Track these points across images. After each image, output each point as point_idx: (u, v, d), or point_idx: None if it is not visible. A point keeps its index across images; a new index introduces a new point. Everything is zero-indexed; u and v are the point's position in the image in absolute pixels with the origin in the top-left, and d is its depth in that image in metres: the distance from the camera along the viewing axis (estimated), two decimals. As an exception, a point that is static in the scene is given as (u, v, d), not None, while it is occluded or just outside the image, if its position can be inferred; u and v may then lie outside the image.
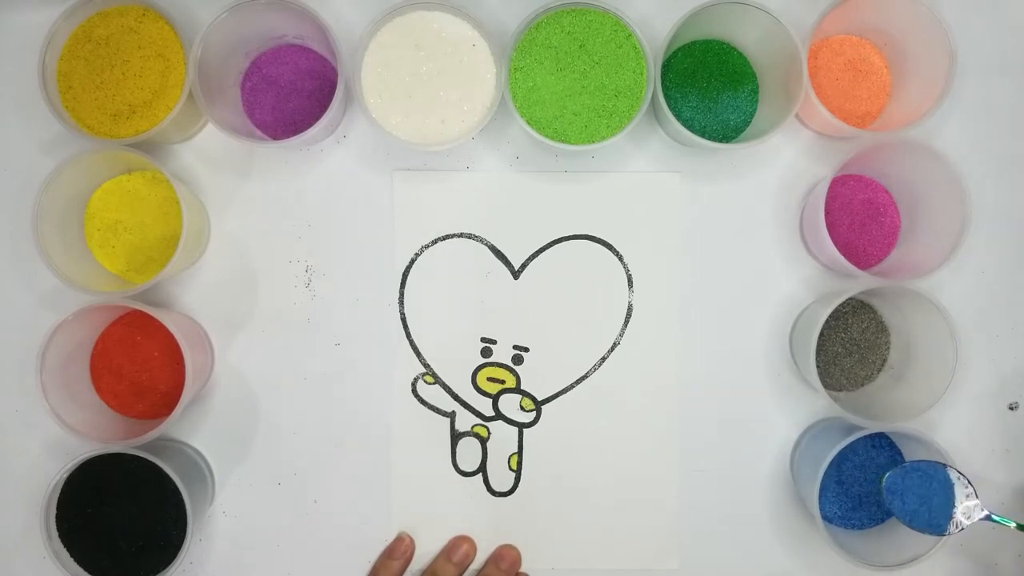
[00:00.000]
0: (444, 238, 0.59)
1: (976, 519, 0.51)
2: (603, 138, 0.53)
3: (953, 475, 0.52)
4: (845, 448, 0.55)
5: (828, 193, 0.55)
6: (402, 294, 0.59)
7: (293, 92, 0.58)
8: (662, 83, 0.54)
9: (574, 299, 0.59)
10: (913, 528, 0.52)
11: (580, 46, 0.54)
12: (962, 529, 0.51)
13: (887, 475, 0.53)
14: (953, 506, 0.52)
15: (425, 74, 0.54)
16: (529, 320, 0.59)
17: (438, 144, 0.54)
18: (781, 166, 0.60)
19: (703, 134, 0.57)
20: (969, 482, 0.52)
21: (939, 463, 0.53)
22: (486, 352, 0.59)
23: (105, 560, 0.54)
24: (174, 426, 0.58)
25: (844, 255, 0.54)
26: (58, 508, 0.54)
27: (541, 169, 0.59)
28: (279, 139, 0.55)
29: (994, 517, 0.51)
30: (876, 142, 0.54)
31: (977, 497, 0.52)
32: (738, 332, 0.60)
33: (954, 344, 0.54)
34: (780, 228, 0.60)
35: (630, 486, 0.59)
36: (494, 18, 0.58)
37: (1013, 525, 0.52)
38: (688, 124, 0.56)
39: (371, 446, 0.59)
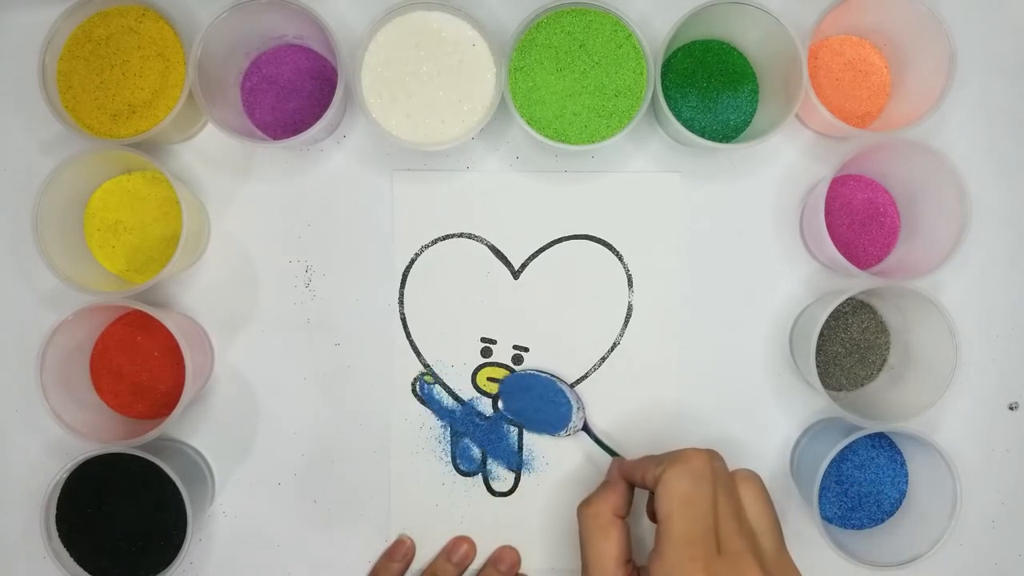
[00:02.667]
0: (444, 238, 0.59)
1: (579, 428, 0.58)
2: (603, 138, 0.53)
3: (567, 390, 0.58)
4: (845, 448, 0.55)
5: (828, 193, 0.55)
6: (402, 294, 0.59)
7: (293, 92, 0.58)
8: (662, 83, 0.54)
9: (574, 299, 0.59)
10: (529, 429, 0.59)
11: (580, 46, 0.54)
12: (568, 432, 0.58)
13: (504, 380, 0.58)
14: (569, 415, 0.58)
15: (425, 74, 0.54)
16: (529, 320, 0.59)
17: (438, 144, 0.54)
18: (781, 166, 0.60)
19: (703, 134, 0.57)
20: (579, 397, 0.58)
21: (551, 378, 0.58)
22: (486, 352, 0.59)
23: (105, 560, 0.54)
24: (174, 426, 0.58)
25: (844, 255, 0.54)
26: (58, 508, 0.54)
27: (541, 169, 0.60)
28: (279, 139, 0.55)
29: (590, 430, 0.58)
30: (876, 142, 0.54)
31: (583, 411, 0.58)
32: (738, 332, 0.60)
33: (954, 344, 0.54)
34: (780, 228, 0.60)
35: (630, 486, 0.59)
36: (494, 18, 0.58)
37: (601, 446, 0.57)
38: (688, 124, 0.56)
39: (371, 446, 0.59)
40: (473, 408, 0.59)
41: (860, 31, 0.59)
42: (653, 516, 0.50)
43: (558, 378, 0.58)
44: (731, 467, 0.59)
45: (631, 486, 0.51)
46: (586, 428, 0.58)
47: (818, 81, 0.59)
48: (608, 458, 0.56)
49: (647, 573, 0.45)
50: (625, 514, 0.50)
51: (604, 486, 0.51)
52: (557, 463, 0.59)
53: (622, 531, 0.48)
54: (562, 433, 0.58)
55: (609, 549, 0.47)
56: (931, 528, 0.54)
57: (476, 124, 0.54)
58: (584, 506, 0.50)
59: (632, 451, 0.59)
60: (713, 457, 0.47)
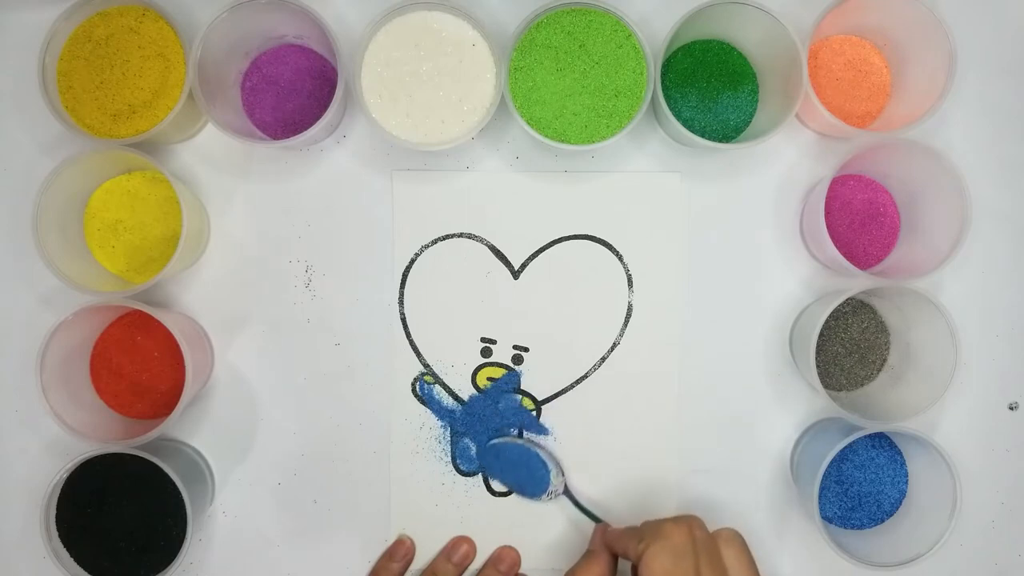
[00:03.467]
0: (444, 238, 0.59)
1: (559, 492, 0.58)
2: (603, 138, 0.53)
3: (544, 455, 0.58)
4: (845, 448, 0.55)
5: (828, 193, 0.55)
6: (402, 294, 0.59)
7: (293, 92, 0.58)
8: (662, 83, 0.54)
9: (574, 299, 0.59)
10: (516, 491, 0.58)
11: (580, 46, 0.54)
12: (550, 496, 0.58)
13: (480, 450, 0.58)
14: (548, 480, 0.57)
15: (425, 74, 0.54)
16: (529, 320, 0.59)
17: (438, 144, 0.54)
18: (781, 166, 0.60)
19: (703, 134, 0.57)
20: (558, 463, 0.58)
21: (531, 448, 0.58)
22: (486, 352, 0.59)
23: (105, 560, 0.54)
24: (174, 426, 0.58)
25: (844, 255, 0.54)
26: (58, 508, 0.54)
27: (541, 169, 0.60)
28: (279, 139, 0.55)
29: (571, 495, 0.58)
30: (876, 142, 0.54)
31: (563, 475, 0.58)
32: (738, 332, 0.60)
33: (954, 344, 0.54)
34: (780, 228, 0.60)
35: (630, 486, 0.59)
36: (494, 18, 0.58)
37: (581, 510, 0.57)
38: (688, 124, 0.56)
39: (371, 446, 0.59)
40: (473, 408, 0.59)
41: (860, 31, 0.59)
42: None
43: (536, 444, 0.58)
44: (731, 467, 0.60)
45: (615, 555, 0.52)
46: (567, 492, 0.58)
47: (818, 81, 0.59)
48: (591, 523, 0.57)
49: None
50: None
51: (588, 556, 0.52)
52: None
53: None
54: (544, 498, 0.58)
55: None
56: (931, 528, 0.54)
57: (476, 124, 0.54)
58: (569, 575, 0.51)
59: (630, 452, 0.59)
60: (693, 527, 0.48)
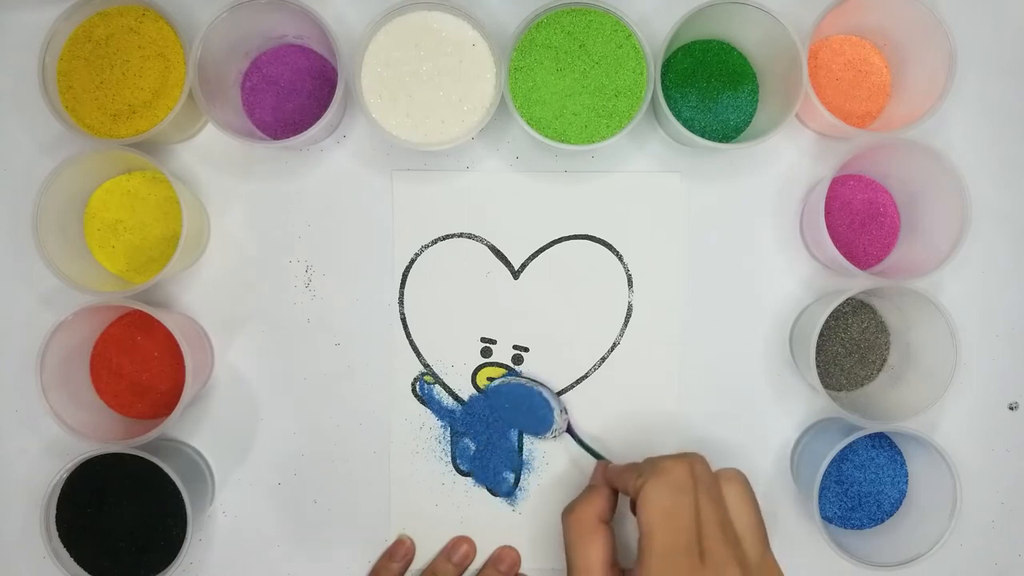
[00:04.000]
0: (444, 238, 0.59)
1: (563, 430, 0.58)
2: (603, 138, 0.53)
3: (547, 394, 0.58)
4: (845, 448, 0.55)
5: (828, 193, 0.55)
6: (402, 294, 0.59)
7: (293, 92, 0.58)
8: (662, 83, 0.54)
9: (574, 299, 0.59)
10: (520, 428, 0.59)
11: (580, 46, 0.54)
12: (554, 434, 0.58)
13: (486, 389, 0.59)
14: (552, 418, 0.57)
15: (425, 74, 0.54)
16: (529, 320, 0.59)
17: (438, 144, 0.54)
18: (781, 166, 0.60)
19: (703, 134, 0.57)
20: (560, 402, 0.58)
21: (533, 387, 0.58)
22: (486, 352, 0.59)
23: (105, 560, 0.54)
24: (174, 426, 0.58)
25: (844, 255, 0.54)
26: (58, 508, 0.54)
27: (541, 169, 0.60)
28: (279, 139, 0.55)
29: (575, 433, 0.58)
30: (876, 142, 0.54)
31: (567, 413, 0.58)
32: (738, 332, 0.60)
33: (954, 344, 0.54)
34: (780, 228, 0.60)
35: (630, 486, 0.59)
36: (494, 18, 0.58)
37: (585, 448, 0.57)
38: (688, 124, 0.56)
39: (371, 446, 0.59)
40: (473, 408, 0.59)
41: (860, 31, 0.59)
42: None
43: (539, 383, 0.58)
44: (726, 464, 0.59)
45: (614, 491, 0.51)
46: (570, 431, 0.58)
47: (818, 81, 0.59)
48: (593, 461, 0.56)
49: None
50: (609, 519, 0.50)
51: (588, 491, 0.51)
52: (557, 463, 0.59)
53: (607, 536, 0.48)
54: (547, 436, 0.58)
55: (595, 555, 0.47)
56: (931, 528, 0.54)
57: (476, 124, 0.54)
58: (568, 512, 0.50)
59: (630, 452, 0.59)
60: (694, 464, 0.46)
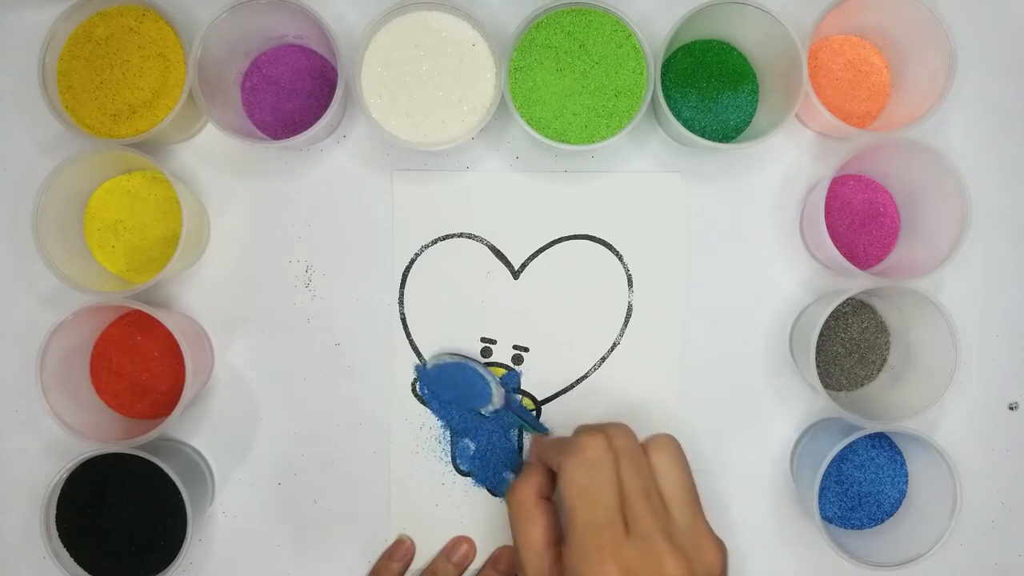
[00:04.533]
0: (444, 238, 0.59)
1: (500, 405, 0.57)
2: (603, 138, 0.53)
3: (481, 369, 0.58)
4: (845, 448, 0.55)
5: (828, 193, 0.55)
6: (402, 294, 0.59)
7: (293, 92, 0.58)
8: (662, 83, 0.54)
9: (574, 299, 0.59)
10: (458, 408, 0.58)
11: (580, 46, 0.54)
12: (496, 410, 0.57)
13: (419, 370, 0.59)
14: (489, 391, 0.57)
15: (425, 74, 0.54)
16: (529, 320, 0.59)
17: (438, 144, 0.54)
18: (781, 166, 0.60)
19: (703, 134, 0.57)
20: (495, 377, 0.58)
21: (467, 363, 0.58)
22: (486, 352, 0.59)
23: (105, 560, 0.54)
24: (174, 426, 0.58)
25: (844, 255, 0.54)
26: (58, 508, 0.54)
27: (541, 169, 0.60)
28: (279, 139, 0.55)
29: (512, 406, 0.57)
30: (876, 142, 0.54)
31: (503, 388, 0.58)
32: (738, 332, 0.60)
33: (954, 344, 0.54)
34: (780, 228, 0.60)
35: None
36: (494, 18, 0.58)
37: (523, 428, 0.57)
38: (688, 124, 0.56)
39: (371, 446, 0.59)
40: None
41: (860, 31, 0.59)
42: None
43: (471, 359, 0.58)
44: (731, 467, 0.59)
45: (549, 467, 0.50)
46: (508, 405, 0.57)
47: (818, 81, 0.59)
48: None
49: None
50: (550, 493, 0.49)
51: (526, 467, 0.51)
52: (557, 463, 0.59)
53: (547, 513, 0.48)
54: (487, 410, 0.57)
55: (536, 534, 0.47)
56: (931, 528, 0.54)
57: (476, 124, 0.54)
58: (510, 493, 0.49)
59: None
60: (614, 436, 0.46)
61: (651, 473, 0.46)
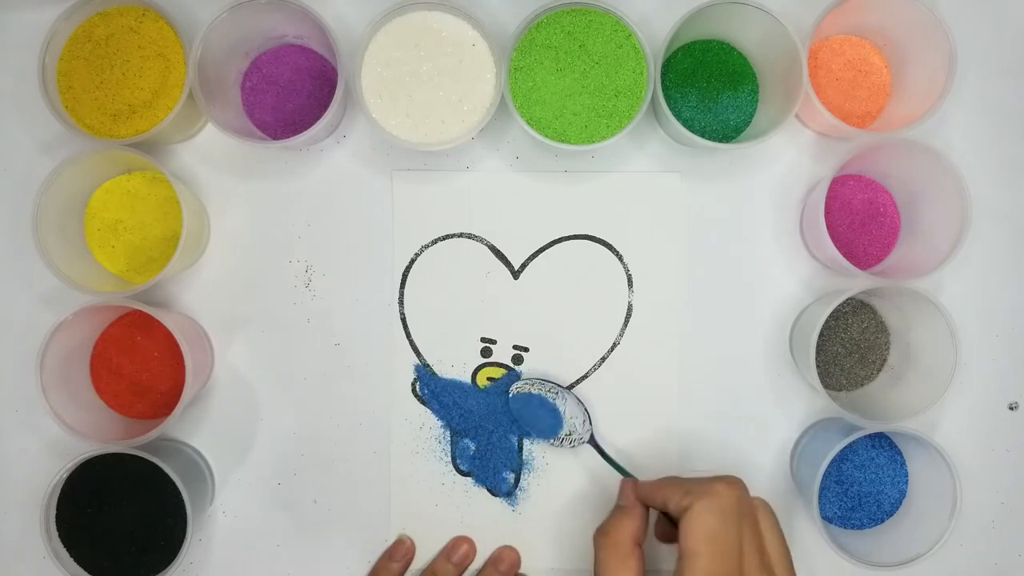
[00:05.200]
0: (444, 238, 0.59)
1: (583, 440, 0.57)
2: (603, 138, 0.53)
3: (561, 403, 0.58)
4: (845, 448, 0.55)
5: (828, 193, 0.55)
6: (402, 294, 0.59)
7: (293, 92, 0.58)
8: (662, 83, 0.54)
9: (574, 299, 0.59)
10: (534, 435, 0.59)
11: (580, 46, 0.54)
12: (571, 443, 0.57)
13: (513, 397, 0.58)
14: (561, 424, 0.57)
15: (425, 74, 0.54)
16: (529, 320, 0.59)
17: (438, 144, 0.54)
18: (781, 166, 0.60)
19: (703, 134, 0.57)
20: (585, 410, 0.58)
21: (543, 396, 0.58)
22: (486, 352, 0.59)
23: (105, 560, 0.54)
24: (174, 426, 0.58)
25: (844, 255, 0.54)
26: (58, 508, 0.54)
27: (541, 169, 0.60)
28: (279, 139, 0.55)
29: (598, 445, 0.57)
30: (876, 142, 0.54)
31: (590, 424, 0.58)
32: (738, 332, 0.60)
33: (954, 344, 0.54)
34: (780, 228, 0.60)
35: (630, 486, 0.59)
36: (494, 18, 0.58)
37: (608, 460, 0.56)
38: (688, 124, 0.56)
39: (371, 446, 0.59)
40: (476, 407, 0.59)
41: (860, 31, 0.59)
42: (665, 537, 0.49)
43: (557, 384, 0.58)
44: (731, 467, 0.59)
45: (647, 509, 0.50)
46: (593, 442, 0.57)
47: (818, 81, 0.59)
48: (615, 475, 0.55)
49: None
50: (643, 540, 0.49)
51: (621, 512, 0.50)
52: (557, 463, 0.59)
53: (640, 560, 0.47)
54: (552, 442, 0.57)
55: None
56: (931, 528, 0.54)
57: (476, 124, 0.54)
58: (602, 535, 0.48)
59: (630, 452, 0.59)
60: (742, 490, 0.46)
61: (762, 536, 0.46)
